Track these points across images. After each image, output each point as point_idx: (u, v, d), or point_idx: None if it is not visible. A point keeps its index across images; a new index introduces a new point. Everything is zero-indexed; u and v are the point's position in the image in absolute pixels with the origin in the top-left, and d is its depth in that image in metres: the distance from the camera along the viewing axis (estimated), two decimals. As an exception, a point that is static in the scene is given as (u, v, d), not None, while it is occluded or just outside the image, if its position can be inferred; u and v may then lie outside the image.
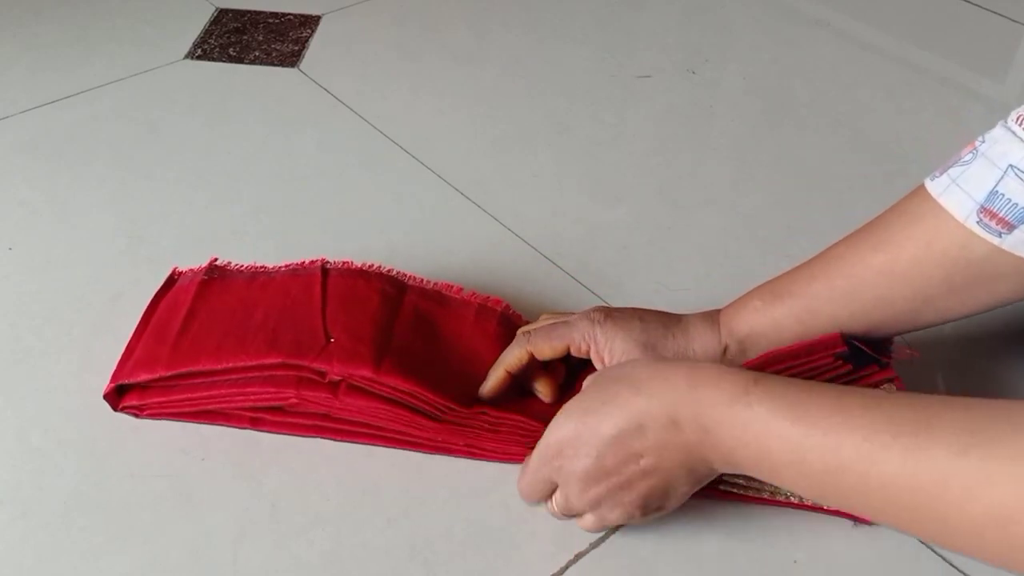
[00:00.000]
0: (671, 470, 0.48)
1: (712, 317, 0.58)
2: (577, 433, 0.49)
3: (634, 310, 0.59)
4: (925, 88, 0.95)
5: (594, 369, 0.57)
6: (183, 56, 0.97)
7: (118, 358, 0.61)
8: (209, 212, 0.77)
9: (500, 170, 0.83)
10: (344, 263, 0.64)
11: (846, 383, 0.54)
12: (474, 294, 0.65)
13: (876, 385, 0.55)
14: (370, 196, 0.79)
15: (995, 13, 1.08)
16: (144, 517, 0.54)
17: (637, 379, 0.49)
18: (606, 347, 0.56)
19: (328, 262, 0.64)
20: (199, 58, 0.97)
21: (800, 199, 0.80)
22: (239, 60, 0.97)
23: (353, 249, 0.73)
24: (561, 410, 0.51)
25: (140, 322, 0.63)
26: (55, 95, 0.90)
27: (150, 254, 0.73)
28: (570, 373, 0.61)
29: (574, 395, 0.53)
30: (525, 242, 0.75)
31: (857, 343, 0.54)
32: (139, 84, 0.93)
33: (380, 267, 0.65)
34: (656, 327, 0.57)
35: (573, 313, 0.60)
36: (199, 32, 1.01)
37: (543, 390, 0.59)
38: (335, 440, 0.58)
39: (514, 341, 0.60)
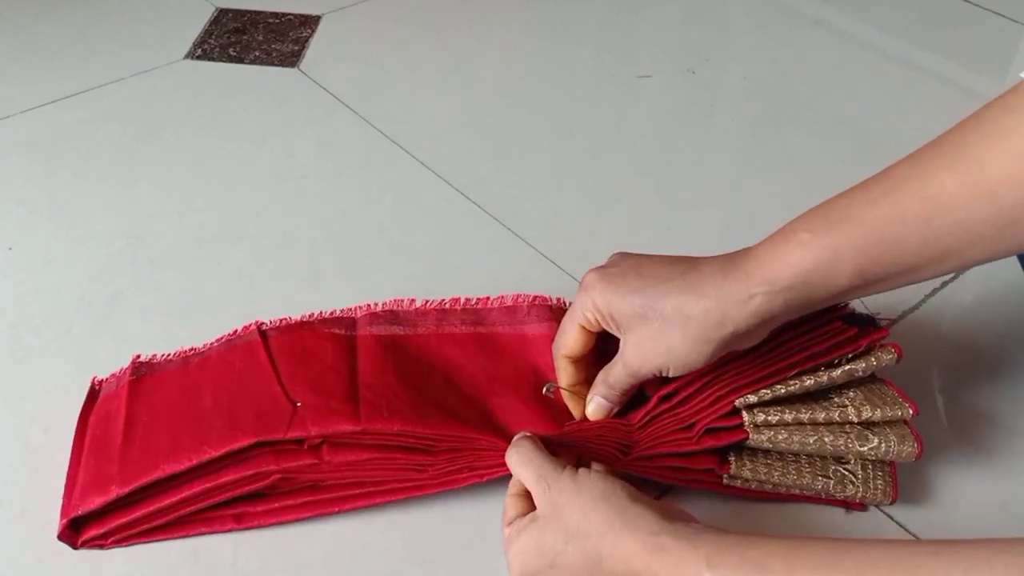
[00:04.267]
0: None
1: (734, 262, 0.48)
2: None
3: (636, 260, 0.51)
4: (925, 88, 0.95)
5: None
6: (183, 56, 0.97)
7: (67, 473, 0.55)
8: (209, 212, 0.77)
9: (500, 170, 0.83)
10: (282, 320, 0.60)
11: (846, 346, 0.53)
12: (427, 302, 0.62)
13: (875, 345, 0.53)
14: (370, 196, 0.79)
15: (995, 13, 1.08)
16: (144, 517, 0.54)
17: (597, 551, 0.44)
18: (606, 314, 0.50)
19: (263, 324, 0.60)
20: (199, 58, 0.97)
21: (800, 199, 0.79)
22: (239, 60, 0.97)
23: (353, 249, 0.73)
24: (515, 545, 0.48)
25: (73, 447, 0.56)
26: (55, 95, 0.90)
27: (150, 254, 0.73)
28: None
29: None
30: (525, 242, 0.75)
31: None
32: (139, 84, 0.93)
33: (321, 313, 0.60)
34: (655, 283, 0.48)
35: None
36: (199, 32, 1.01)
37: (572, 409, 0.55)
38: (332, 513, 0.54)
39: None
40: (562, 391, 0.55)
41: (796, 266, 0.46)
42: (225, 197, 0.79)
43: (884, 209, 0.46)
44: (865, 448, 0.51)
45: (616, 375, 0.51)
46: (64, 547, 0.53)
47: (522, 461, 0.50)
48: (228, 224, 0.76)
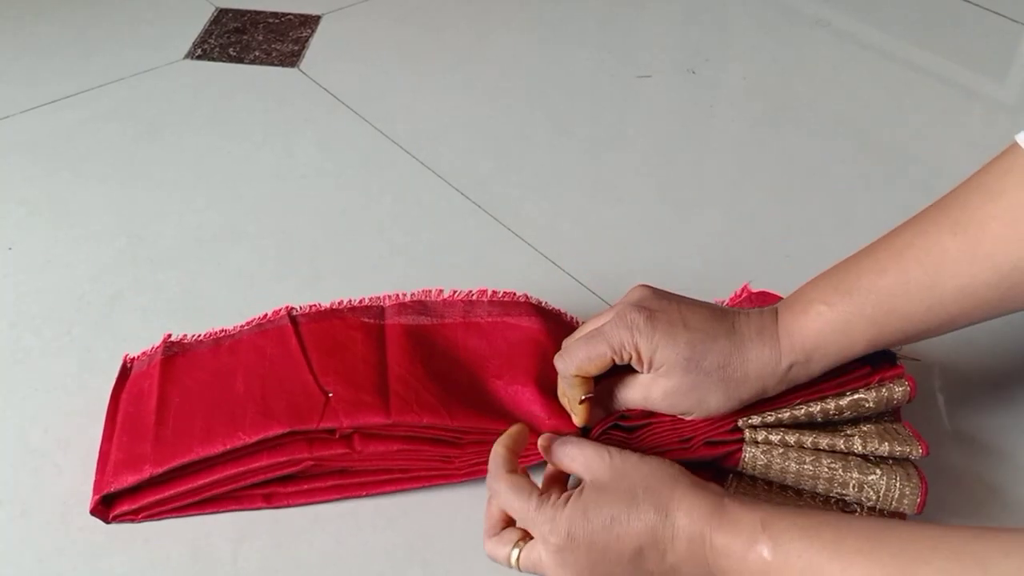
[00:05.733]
0: None
1: (768, 328, 0.51)
2: None
3: (678, 309, 0.52)
4: (925, 88, 0.95)
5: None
6: (183, 56, 0.97)
7: (98, 459, 0.55)
8: (209, 212, 0.77)
9: (500, 170, 0.83)
10: (312, 306, 0.61)
11: (856, 383, 0.53)
12: (455, 292, 0.63)
13: (887, 381, 0.53)
14: (370, 196, 0.79)
15: (995, 13, 1.08)
16: (144, 517, 0.54)
17: (666, 504, 0.46)
18: (647, 357, 0.51)
19: (294, 309, 0.61)
20: (199, 58, 0.97)
21: (800, 199, 0.80)
22: (239, 60, 0.97)
23: (353, 249, 0.73)
24: (563, 512, 0.47)
25: (106, 423, 0.57)
26: (55, 95, 0.90)
27: (150, 254, 0.73)
28: None
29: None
30: (525, 242, 0.75)
31: None
32: (139, 84, 0.93)
33: (351, 301, 0.61)
34: (702, 338, 0.50)
35: (605, 315, 0.54)
36: (199, 32, 1.01)
37: (577, 414, 0.54)
38: (360, 496, 0.55)
39: (557, 364, 0.54)
40: (565, 403, 0.55)
41: (817, 338, 0.50)
42: (225, 197, 0.79)
43: (891, 278, 0.49)
44: (868, 478, 0.50)
45: (631, 401, 0.54)
46: (64, 547, 0.53)
47: (575, 443, 0.51)
48: (228, 224, 0.76)
